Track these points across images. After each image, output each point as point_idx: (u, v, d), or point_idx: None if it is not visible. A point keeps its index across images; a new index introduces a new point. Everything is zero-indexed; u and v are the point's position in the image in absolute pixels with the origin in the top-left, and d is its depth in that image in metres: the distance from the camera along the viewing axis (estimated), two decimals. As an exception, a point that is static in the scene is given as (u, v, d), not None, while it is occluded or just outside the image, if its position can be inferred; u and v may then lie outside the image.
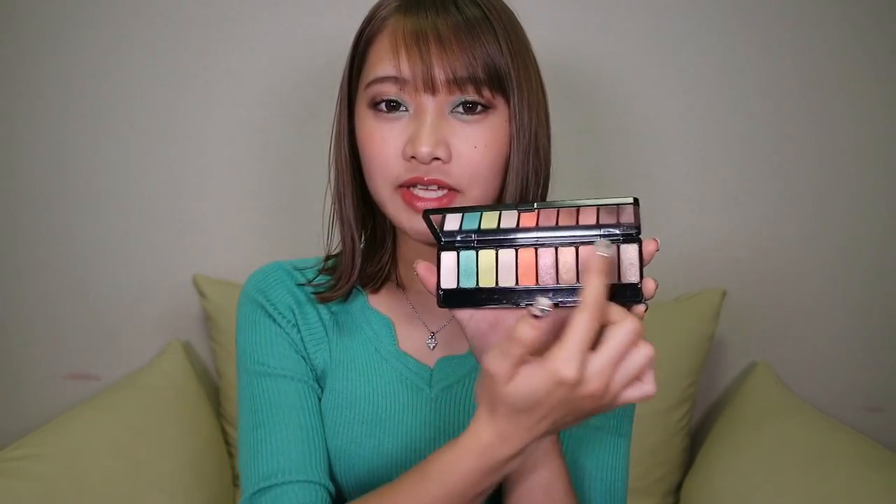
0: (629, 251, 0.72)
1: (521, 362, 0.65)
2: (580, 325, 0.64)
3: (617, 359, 0.65)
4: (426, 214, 0.72)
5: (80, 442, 1.30)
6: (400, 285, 0.93)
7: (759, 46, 1.53)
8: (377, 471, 0.87)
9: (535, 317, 0.64)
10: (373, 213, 0.91)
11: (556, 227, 0.73)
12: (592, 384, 0.65)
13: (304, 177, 1.54)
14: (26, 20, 1.50)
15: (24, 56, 1.51)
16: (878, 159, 1.56)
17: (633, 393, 0.67)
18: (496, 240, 0.75)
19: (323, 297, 0.91)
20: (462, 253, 0.75)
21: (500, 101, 0.81)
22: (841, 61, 1.53)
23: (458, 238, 0.75)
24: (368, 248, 0.92)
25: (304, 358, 0.90)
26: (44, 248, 1.56)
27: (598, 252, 0.65)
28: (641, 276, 0.71)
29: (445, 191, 0.80)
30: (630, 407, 0.92)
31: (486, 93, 0.79)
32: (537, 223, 0.73)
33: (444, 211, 0.73)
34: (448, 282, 0.75)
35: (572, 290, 0.72)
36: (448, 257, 0.75)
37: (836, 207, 1.57)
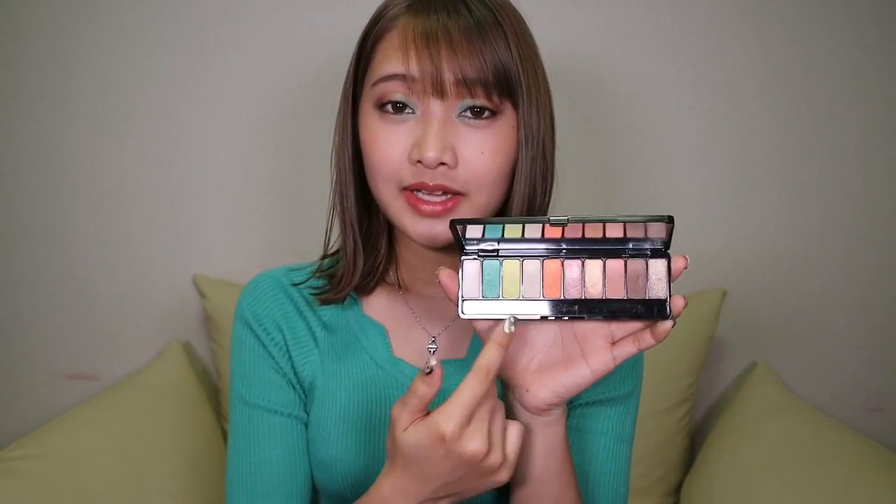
0: (657, 266, 0.71)
1: (418, 412, 0.69)
2: (466, 387, 0.68)
3: (489, 419, 0.69)
4: (453, 224, 0.71)
5: (80, 442, 1.30)
6: (401, 287, 0.93)
7: (759, 46, 1.53)
8: (374, 477, 0.86)
9: (427, 374, 0.68)
10: (369, 214, 0.90)
11: (583, 240, 0.72)
12: (472, 444, 0.68)
13: (304, 177, 1.54)
14: (26, 20, 1.50)
15: (24, 56, 1.51)
16: (878, 159, 1.56)
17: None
18: (521, 249, 0.73)
19: (327, 298, 0.90)
20: (486, 262, 0.73)
21: (507, 107, 0.80)
22: (841, 61, 1.53)
23: (481, 246, 0.74)
24: (363, 248, 0.91)
25: (289, 382, 0.90)
26: (43, 248, 1.56)
27: (505, 329, 0.70)
28: (670, 293, 0.70)
29: (450, 195, 0.80)
30: (633, 412, 0.92)
31: (495, 98, 0.79)
32: (563, 235, 0.71)
33: (469, 221, 0.71)
34: (471, 291, 0.73)
35: (599, 303, 0.71)
36: (471, 266, 0.73)
37: (836, 207, 1.57)
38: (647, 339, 0.70)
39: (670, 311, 0.69)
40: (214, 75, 1.53)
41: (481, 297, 0.73)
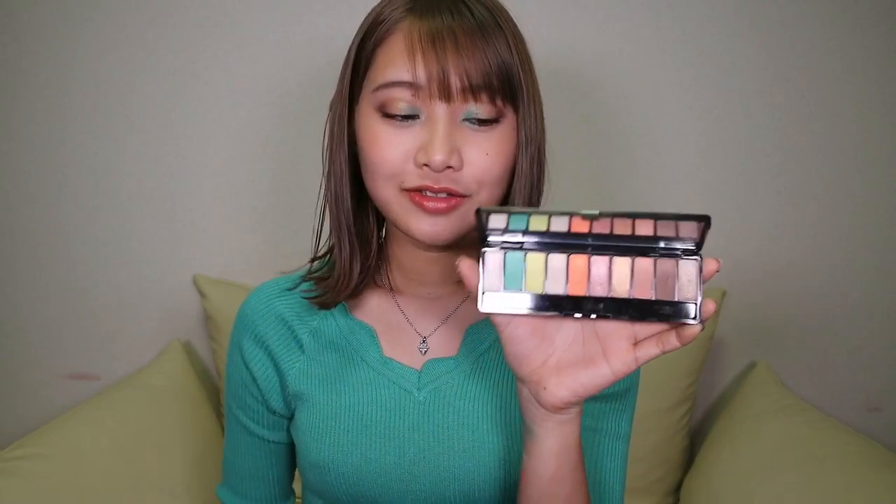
0: (688, 267, 0.67)
1: None
2: None
3: None
4: (478, 212, 0.67)
5: (80, 442, 1.30)
6: (392, 288, 0.92)
7: (759, 46, 1.53)
8: (367, 477, 0.87)
9: None
10: (361, 216, 0.89)
11: (611, 236, 0.69)
12: None
13: (304, 177, 1.54)
14: (26, 20, 1.50)
15: (24, 56, 1.51)
16: (878, 159, 1.56)
17: None
18: (545, 243, 0.70)
19: (321, 302, 0.90)
20: (509, 254, 0.70)
21: (509, 110, 0.80)
22: (842, 61, 1.53)
23: (505, 238, 0.70)
24: (359, 251, 0.90)
25: (268, 408, 0.94)
26: (43, 248, 1.56)
27: None
28: (700, 295, 0.67)
29: (454, 196, 0.80)
30: (630, 409, 0.91)
31: (499, 102, 0.79)
32: (590, 230, 0.68)
33: (493, 210, 0.67)
34: (492, 284, 0.70)
35: (625, 303, 0.68)
36: (494, 258, 0.70)
37: (836, 207, 1.57)
38: (672, 341, 0.67)
39: (700, 314, 0.67)
40: (214, 75, 1.53)
41: (503, 290, 0.70)
